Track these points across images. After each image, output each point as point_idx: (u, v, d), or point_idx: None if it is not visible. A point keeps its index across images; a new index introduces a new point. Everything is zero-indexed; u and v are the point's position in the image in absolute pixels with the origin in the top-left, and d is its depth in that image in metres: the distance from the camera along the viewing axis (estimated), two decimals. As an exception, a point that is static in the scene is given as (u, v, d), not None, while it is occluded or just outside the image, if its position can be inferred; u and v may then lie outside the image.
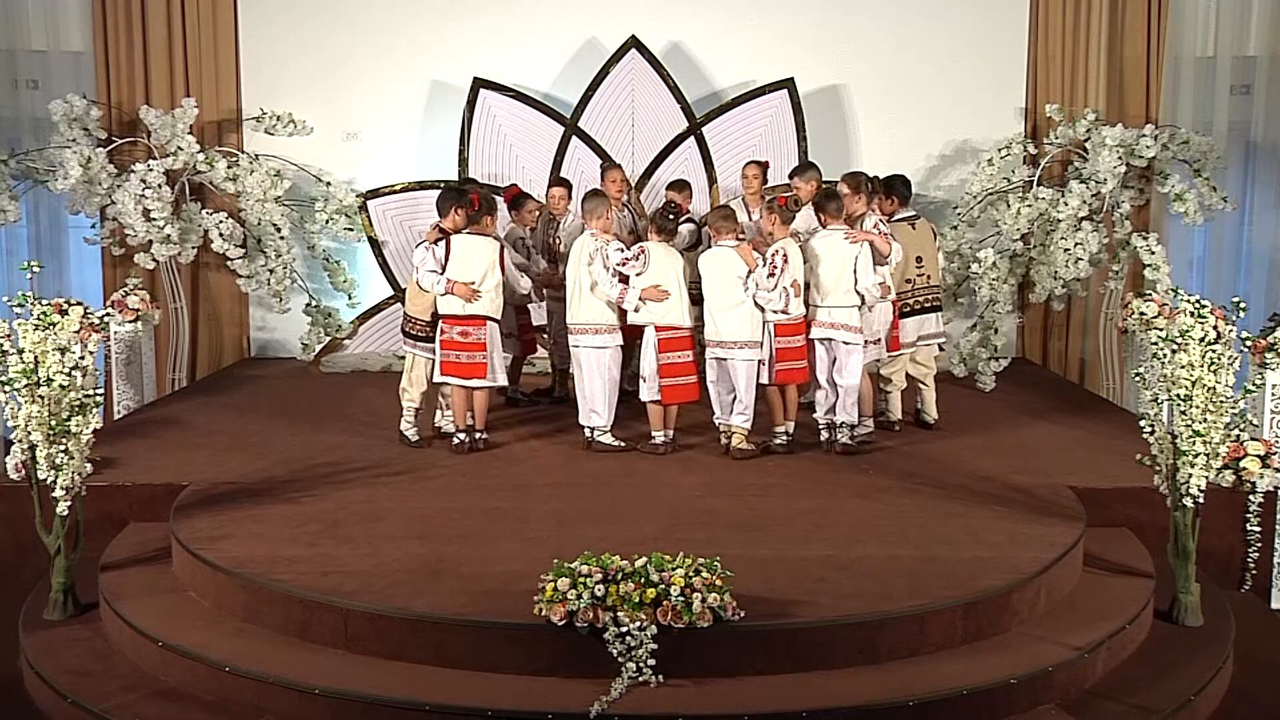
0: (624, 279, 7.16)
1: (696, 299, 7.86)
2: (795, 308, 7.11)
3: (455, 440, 7.42)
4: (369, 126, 10.39)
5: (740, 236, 7.33)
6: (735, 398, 7.22)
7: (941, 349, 8.38)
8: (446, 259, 7.21)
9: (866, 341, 7.37)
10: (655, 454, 7.27)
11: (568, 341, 8.34)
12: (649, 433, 7.39)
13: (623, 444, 7.39)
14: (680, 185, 8.66)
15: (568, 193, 8.65)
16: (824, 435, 7.44)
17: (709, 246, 7.49)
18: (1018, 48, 10.32)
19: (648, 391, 7.28)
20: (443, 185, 8.51)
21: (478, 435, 7.42)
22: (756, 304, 7.09)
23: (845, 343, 7.22)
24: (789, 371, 7.22)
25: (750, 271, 7.06)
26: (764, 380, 7.23)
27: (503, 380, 7.52)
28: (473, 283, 7.16)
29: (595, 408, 7.35)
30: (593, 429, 7.39)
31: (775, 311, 7.09)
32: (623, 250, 7.18)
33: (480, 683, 4.76)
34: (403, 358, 10.04)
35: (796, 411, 7.41)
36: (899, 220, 7.85)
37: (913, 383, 8.03)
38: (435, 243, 7.27)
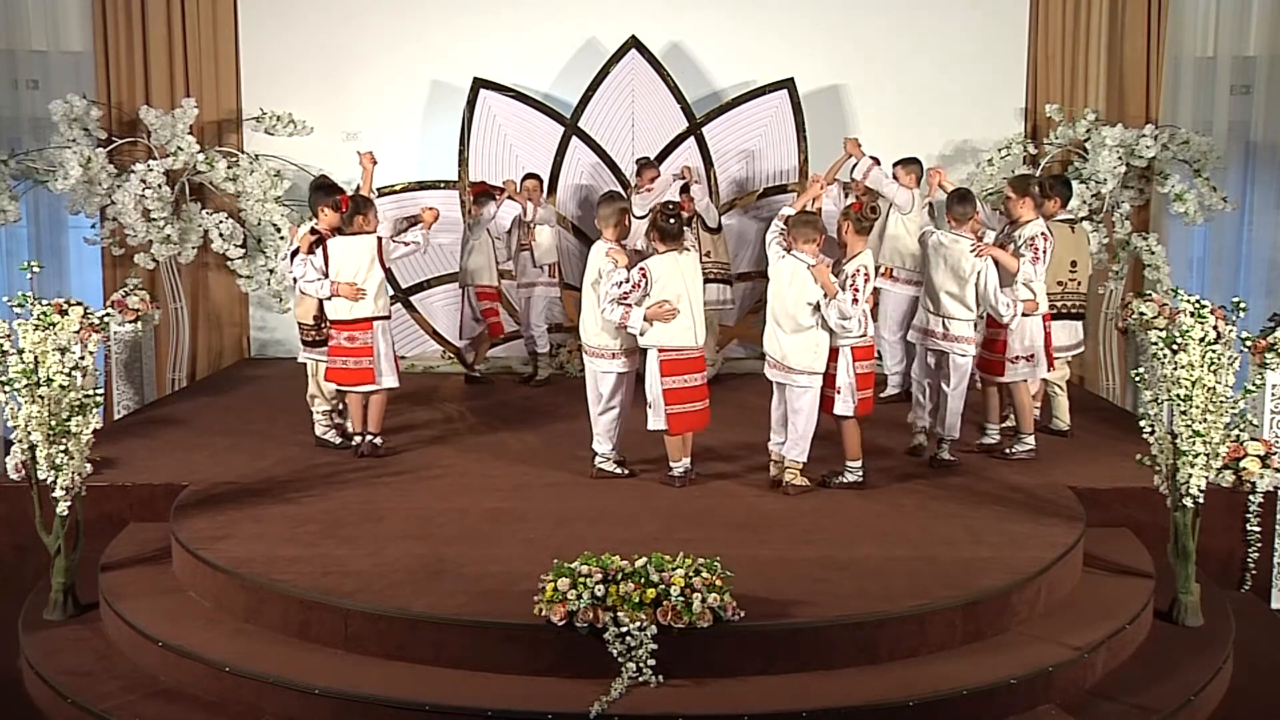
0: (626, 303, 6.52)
1: (724, 278, 7.73)
2: (872, 329, 6.54)
3: (355, 442, 7.29)
4: (369, 126, 10.37)
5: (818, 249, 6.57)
6: (789, 426, 6.57)
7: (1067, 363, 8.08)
8: (326, 264, 7.06)
9: (1019, 357, 7.04)
10: (673, 486, 6.66)
11: (541, 326, 8.76)
12: (656, 445, 6.91)
13: (627, 472, 6.86)
14: (646, 164, 8.86)
15: (539, 185, 9.14)
16: (917, 442, 7.24)
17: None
18: (1018, 48, 10.31)
19: (654, 420, 6.59)
20: (318, 182, 8.31)
21: (370, 438, 7.26)
22: (826, 328, 6.41)
23: (962, 355, 6.92)
24: (869, 400, 6.59)
25: (827, 296, 6.33)
26: (843, 411, 6.54)
27: (391, 383, 7.22)
28: (355, 282, 7.01)
29: (599, 432, 6.86)
30: (595, 454, 6.90)
31: (855, 336, 6.43)
32: (622, 285, 6.41)
33: (480, 683, 4.77)
34: (404, 358, 10.17)
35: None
36: (1059, 221, 7.59)
37: (1049, 390, 7.80)
38: (311, 250, 7.09)
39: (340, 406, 7.61)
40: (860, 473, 6.67)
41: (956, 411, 7.01)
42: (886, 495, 6.56)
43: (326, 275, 7.05)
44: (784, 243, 6.53)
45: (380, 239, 7.11)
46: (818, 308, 6.37)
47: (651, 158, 9.50)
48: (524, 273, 9.26)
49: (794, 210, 6.74)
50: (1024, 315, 6.93)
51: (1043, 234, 7.03)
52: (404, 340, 10.29)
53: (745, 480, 6.83)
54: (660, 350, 6.51)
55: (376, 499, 6.47)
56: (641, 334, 6.52)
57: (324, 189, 7.38)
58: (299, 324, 7.47)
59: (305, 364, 7.56)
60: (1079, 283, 7.67)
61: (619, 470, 6.88)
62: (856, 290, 6.32)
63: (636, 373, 6.84)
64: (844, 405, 6.52)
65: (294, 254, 7.18)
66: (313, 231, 7.18)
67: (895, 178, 8.22)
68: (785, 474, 6.59)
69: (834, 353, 6.48)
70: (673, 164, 9.89)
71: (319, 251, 7.08)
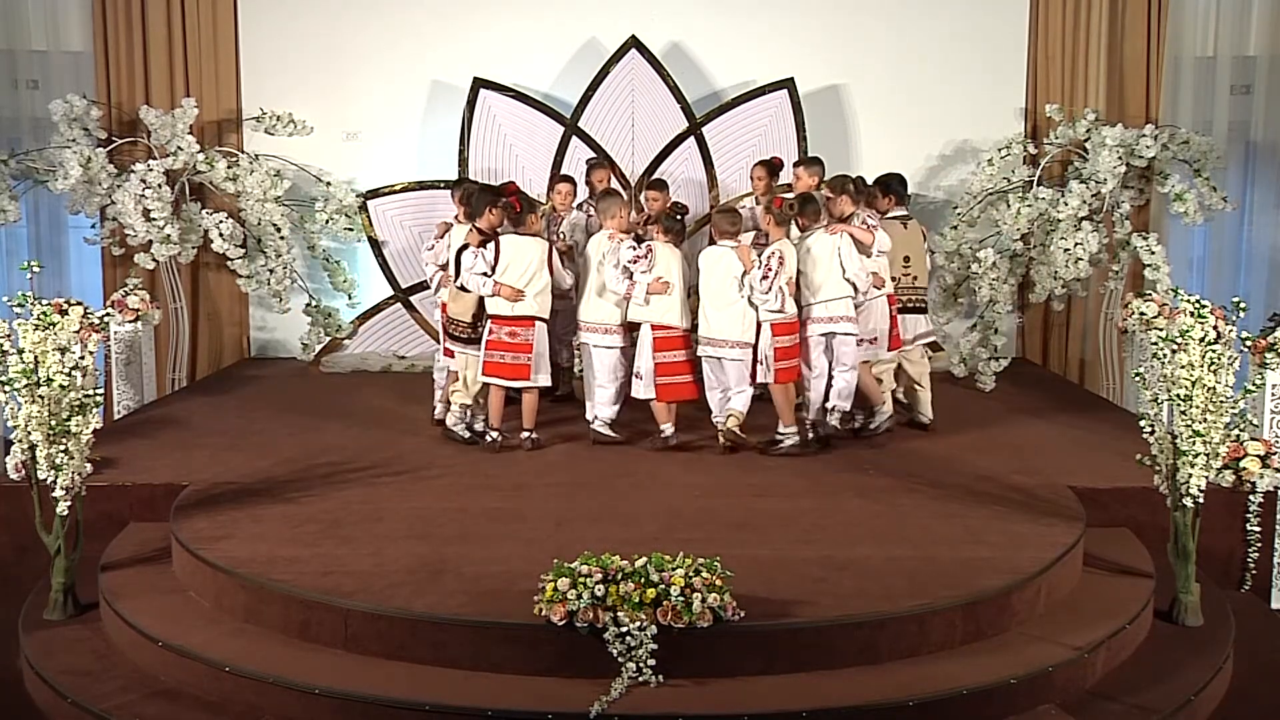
0: (630, 275, 7.27)
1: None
2: (790, 307, 7.18)
3: (489, 438, 7.44)
4: (369, 126, 10.39)
5: (743, 239, 7.43)
6: (731, 392, 7.27)
7: (940, 347, 8.35)
8: (496, 261, 7.23)
9: (861, 339, 7.42)
10: (665, 448, 7.34)
11: (570, 339, 8.40)
12: (654, 430, 7.46)
13: (620, 437, 7.52)
14: (659, 185, 8.72)
15: (573, 189, 8.67)
16: (811, 434, 7.48)
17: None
18: (1018, 48, 10.32)
19: (643, 389, 7.38)
20: (454, 184, 8.48)
21: (525, 435, 7.46)
22: (751, 303, 7.15)
23: (843, 334, 7.29)
24: (789, 370, 7.26)
25: (746, 272, 7.12)
26: (764, 379, 7.27)
27: (545, 381, 7.53)
28: (517, 281, 7.21)
29: (600, 401, 7.52)
30: (594, 419, 7.53)
31: (772, 311, 7.14)
32: (635, 249, 7.24)
33: (480, 683, 4.77)
34: (403, 357, 10.19)
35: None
36: (891, 219, 7.87)
37: (908, 384, 8.03)
38: (483, 245, 7.26)
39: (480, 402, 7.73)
40: (796, 437, 7.30)
41: (848, 389, 7.36)
42: (886, 495, 6.57)
43: (492, 272, 7.21)
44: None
45: (551, 245, 7.42)
46: (742, 284, 7.16)
47: (601, 159, 9.32)
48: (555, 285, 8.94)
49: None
50: (875, 288, 7.39)
51: (867, 219, 7.51)
52: (405, 340, 10.31)
53: (745, 480, 6.84)
54: (653, 326, 7.31)
55: (376, 499, 6.47)
56: (641, 305, 7.29)
57: (492, 191, 7.65)
58: (453, 319, 7.51)
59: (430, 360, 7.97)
60: (914, 278, 7.94)
61: (614, 435, 7.52)
62: (769, 269, 7.06)
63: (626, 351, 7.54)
64: (763, 374, 7.26)
65: (462, 249, 7.32)
66: (479, 231, 7.33)
67: (797, 178, 8.23)
68: (729, 421, 7.23)
69: (757, 328, 7.21)
70: (674, 163, 9.91)
71: (490, 247, 7.24)
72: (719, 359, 7.28)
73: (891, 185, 8.00)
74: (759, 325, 7.20)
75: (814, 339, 7.34)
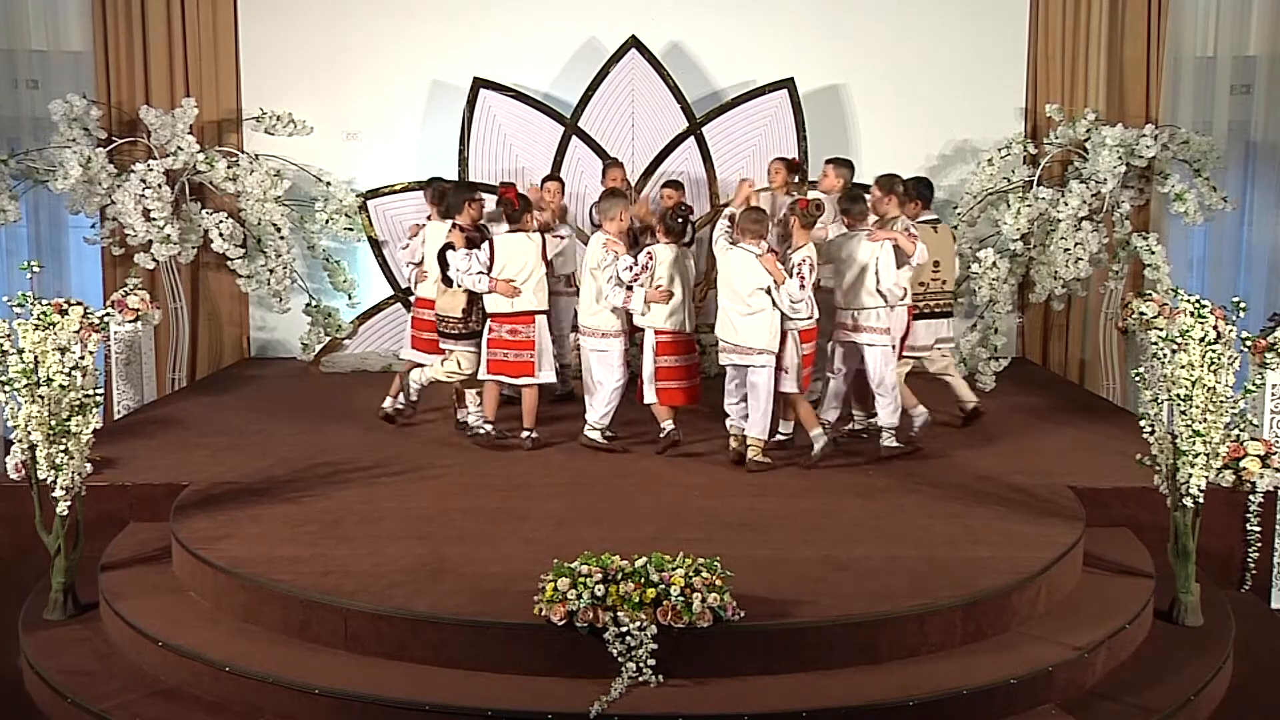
0: (629, 286, 7.18)
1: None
2: (815, 312, 7.05)
3: (481, 431, 7.45)
4: (369, 126, 10.39)
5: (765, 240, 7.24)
6: (749, 405, 7.04)
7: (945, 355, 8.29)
8: (491, 259, 7.22)
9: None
10: (671, 444, 7.26)
11: (566, 337, 8.43)
12: (653, 433, 7.43)
13: (608, 443, 7.43)
14: (675, 185, 8.72)
15: (561, 187, 8.72)
16: (830, 434, 7.39)
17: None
18: (1018, 48, 10.31)
19: (648, 394, 7.34)
20: (425, 184, 8.49)
21: (525, 434, 7.45)
22: (781, 310, 6.90)
23: (871, 345, 7.18)
24: (810, 377, 7.22)
25: (776, 283, 6.84)
26: (789, 388, 7.04)
27: (550, 377, 7.52)
28: (514, 279, 7.21)
29: (594, 403, 7.46)
30: (585, 423, 7.48)
31: (804, 320, 6.98)
32: (632, 266, 7.12)
33: (480, 683, 4.77)
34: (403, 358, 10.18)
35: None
36: (922, 223, 7.74)
37: (938, 380, 7.98)
38: (471, 244, 7.25)
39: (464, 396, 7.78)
40: (825, 438, 7.07)
41: (885, 401, 7.25)
42: (886, 495, 6.57)
43: (488, 270, 7.20)
44: (731, 236, 7.06)
45: (544, 241, 7.38)
46: (768, 291, 6.86)
47: (616, 160, 9.28)
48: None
49: (736, 210, 7.25)
50: (900, 301, 7.27)
51: (910, 226, 7.35)
52: (404, 340, 10.28)
53: (745, 480, 6.84)
54: (657, 331, 7.21)
55: (376, 499, 6.47)
56: (642, 314, 7.21)
57: (467, 186, 7.69)
58: (444, 316, 7.49)
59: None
60: (943, 282, 7.87)
61: (604, 442, 7.40)
62: (803, 277, 6.86)
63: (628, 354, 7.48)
64: (790, 383, 7.03)
65: (445, 249, 7.30)
66: (460, 229, 7.33)
67: (824, 174, 8.20)
68: (749, 450, 6.99)
69: (782, 335, 6.96)
70: (673, 163, 9.90)
71: (484, 248, 7.23)
72: (745, 367, 6.99)
73: (919, 190, 7.87)
74: (784, 333, 6.96)
75: (836, 343, 7.27)
